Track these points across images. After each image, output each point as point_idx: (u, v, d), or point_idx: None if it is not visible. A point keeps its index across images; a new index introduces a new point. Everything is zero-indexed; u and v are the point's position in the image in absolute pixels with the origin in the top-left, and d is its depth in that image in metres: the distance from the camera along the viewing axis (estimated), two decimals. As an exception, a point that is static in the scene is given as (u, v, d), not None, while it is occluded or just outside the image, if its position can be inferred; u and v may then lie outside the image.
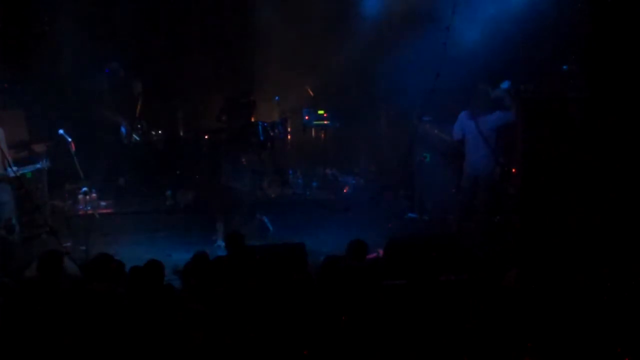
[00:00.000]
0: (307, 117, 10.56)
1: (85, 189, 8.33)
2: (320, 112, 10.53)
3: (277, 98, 10.50)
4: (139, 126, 9.89)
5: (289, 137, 10.55)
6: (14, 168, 7.24)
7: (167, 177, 9.77)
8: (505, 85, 7.68)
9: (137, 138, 9.84)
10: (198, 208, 9.12)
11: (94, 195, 8.78)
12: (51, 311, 4.56)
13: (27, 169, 7.81)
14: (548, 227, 7.32)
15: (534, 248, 6.96)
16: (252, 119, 9.76)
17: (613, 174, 7.18)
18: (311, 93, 10.57)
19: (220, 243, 8.04)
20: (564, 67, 7.87)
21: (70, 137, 7.93)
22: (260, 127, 9.49)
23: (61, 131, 7.95)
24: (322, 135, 10.82)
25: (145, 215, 9.04)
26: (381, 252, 6.89)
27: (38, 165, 7.90)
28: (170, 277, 6.15)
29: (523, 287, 5.01)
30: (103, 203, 9.12)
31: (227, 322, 4.54)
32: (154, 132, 10.10)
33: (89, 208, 8.35)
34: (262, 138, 9.49)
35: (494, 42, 8.05)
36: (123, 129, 9.67)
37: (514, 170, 8.05)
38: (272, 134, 9.79)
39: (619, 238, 6.57)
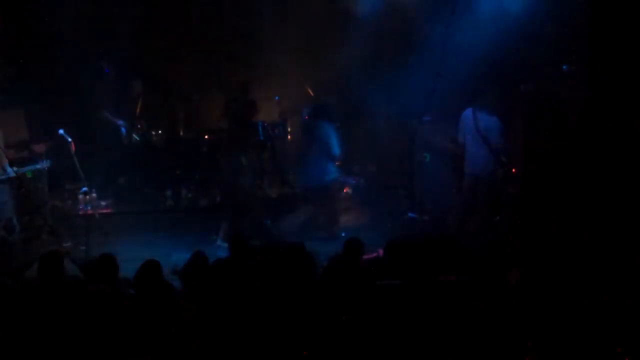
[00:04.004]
0: (307, 117, 10.56)
1: (85, 189, 8.34)
2: (321, 111, 10.52)
3: (277, 98, 10.50)
4: (138, 126, 9.89)
5: (289, 137, 10.55)
6: (14, 168, 7.24)
7: (167, 177, 9.78)
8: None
9: (137, 138, 9.84)
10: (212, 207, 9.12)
11: (94, 195, 8.78)
12: (52, 312, 4.56)
13: (27, 169, 7.81)
14: (548, 227, 7.31)
15: (534, 248, 6.95)
16: (253, 119, 9.75)
17: (613, 174, 7.17)
18: (311, 93, 10.57)
19: (221, 243, 8.05)
20: (564, 67, 7.87)
21: (70, 137, 7.94)
22: (260, 127, 9.50)
23: (61, 131, 7.96)
24: (322, 135, 10.80)
25: (145, 215, 9.05)
26: (381, 252, 6.89)
27: (38, 166, 7.90)
28: (170, 277, 6.16)
29: (524, 287, 5.01)
30: (103, 203, 9.13)
31: (226, 322, 4.54)
32: (154, 132, 10.10)
33: (89, 208, 8.35)
34: (262, 138, 9.49)
35: (494, 42, 8.05)
36: (123, 129, 9.68)
37: (514, 170, 8.06)
38: (272, 134, 9.79)
39: (619, 238, 6.57)
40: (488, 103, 7.79)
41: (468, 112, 7.94)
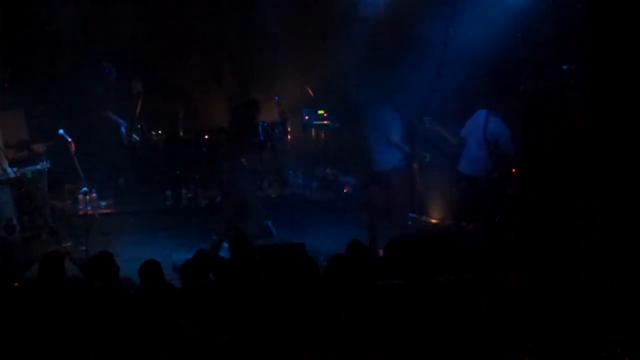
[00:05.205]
0: (307, 117, 10.56)
1: (85, 189, 8.34)
2: (320, 112, 10.53)
3: (277, 98, 10.50)
4: (139, 126, 9.89)
5: (289, 137, 10.55)
6: (14, 168, 7.24)
7: (167, 177, 9.79)
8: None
9: (137, 138, 9.84)
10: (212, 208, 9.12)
11: (94, 195, 8.79)
12: (52, 312, 4.56)
13: (27, 169, 7.81)
14: (548, 227, 7.31)
15: (534, 248, 6.95)
16: (255, 119, 9.76)
17: (613, 174, 7.17)
18: (311, 93, 10.57)
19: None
20: (564, 67, 7.87)
21: (70, 137, 7.94)
22: (260, 127, 9.50)
23: (61, 131, 7.96)
24: (322, 135, 10.82)
25: (145, 215, 9.05)
26: (381, 252, 6.89)
27: (38, 167, 7.90)
28: (170, 276, 6.16)
29: (523, 287, 5.01)
30: (103, 203, 9.14)
31: (227, 322, 4.55)
32: (154, 132, 10.11)
33: (89, 208, 8.35)
34: (262, 138, 9.49)
35: (494, 42, 8.05)
36: (123, 129, 9.68)
37: (514, 170, 8.06)
38: (272, 134, 9.79)
39: (619, 238, 6.57)
40: (504, 111, 7.84)
41: (482, 113, 7.96)
